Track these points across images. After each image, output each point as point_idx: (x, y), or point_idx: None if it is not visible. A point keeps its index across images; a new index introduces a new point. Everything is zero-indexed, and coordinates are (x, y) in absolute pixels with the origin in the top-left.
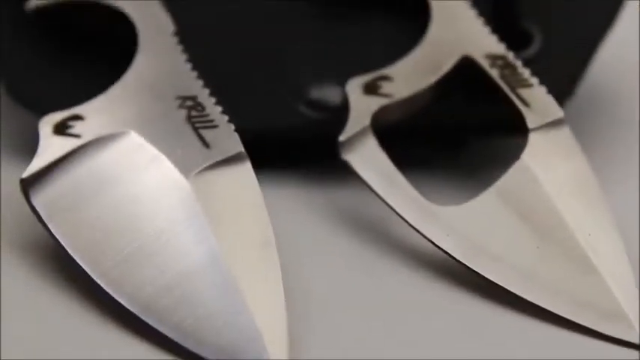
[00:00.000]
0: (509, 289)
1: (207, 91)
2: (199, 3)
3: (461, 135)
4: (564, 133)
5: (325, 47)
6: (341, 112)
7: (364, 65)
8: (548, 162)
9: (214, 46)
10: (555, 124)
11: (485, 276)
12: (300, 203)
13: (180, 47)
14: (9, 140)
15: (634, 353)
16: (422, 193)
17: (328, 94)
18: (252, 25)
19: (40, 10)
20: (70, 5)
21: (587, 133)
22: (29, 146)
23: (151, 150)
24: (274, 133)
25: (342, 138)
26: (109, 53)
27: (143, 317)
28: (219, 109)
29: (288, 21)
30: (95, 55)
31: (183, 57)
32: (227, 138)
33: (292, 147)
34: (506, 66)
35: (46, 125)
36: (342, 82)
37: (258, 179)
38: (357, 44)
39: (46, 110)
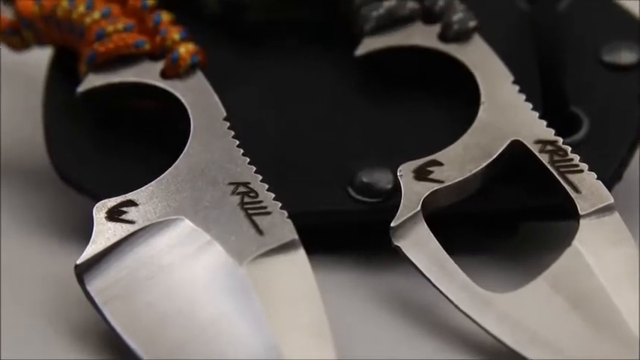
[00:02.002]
0: None
1: (259, 177)
2: (250, 88)
3: (511, 220)
4: (615, 219)
5: (375, 131)
6: (392, 197)
7: (414, 150)
8: (600, 248)
9: (264, 130)
10: (606, 209)
11: None
12: (352, 288)
13: (231, 133)
14: (61, 222)
15: None
16: (473, 278)
17: (379, 179)
18: (302, 110)
19: (91, 94)
20: (122, 89)
21: (636, 217)
22: (80, 228)
23: (204, 236)
24: (325, 218)
25: (393, 224)
26: (160, 137)
27: None
28: (272, 195)
29: (338, 105)
30: (146, 138)
31: (235, 142)
32: (280, 225)
33: (343, 232)
34: (556, 151)
35: (100, 211)
36: (392, 167)
37: (309, 264)
38: (407, 128)
39: (96, 194)
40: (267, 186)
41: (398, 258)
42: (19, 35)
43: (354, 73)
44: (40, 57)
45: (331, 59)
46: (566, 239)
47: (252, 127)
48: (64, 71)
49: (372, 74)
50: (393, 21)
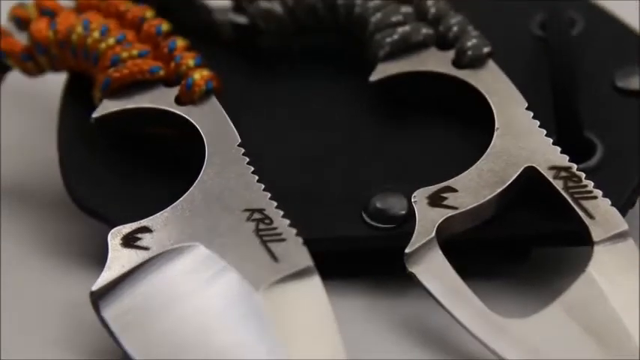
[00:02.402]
0: None
1: (274, 203)
2: (264, 114)
3: (524, 245)
4: (629, 245)
5: (389, 157)
6: (406, 222)
7: (428, 175)
8: (614, 275)
9: (278, 156)
10: (620, 236)
11: None
12: (366, 314)
13: (246, 159)
14: (76, 248)
15: None
16: (487, 304)
17: (393, 204)
18: (316, 136)
19: (106, 120)
20: (137, 115)
21: None
22: (95, 254)
23: (219, 263)
24: (339, 244)
25: (408, 250)
26: (175, 162)
27: None
28: (287, 221)
29: (353, 131)
30: (161, 164)
31: (250, 169)
32: (296, 252)
33: (357, 257)
34: (570, 177)
35: (115, 237)
36: (406, 193)
37: (324, 290)
38: (421, 154)
39: (111, 220)
40: (282, 212)
41: (412, 283)
42: (34, 60)
43: (368, 98)
44: (55, 82)
45: (345, 85)
46: (579, 264)
47: (266, 153)
48: (78, 96)
49: (386, 100)
50: (407, 47)
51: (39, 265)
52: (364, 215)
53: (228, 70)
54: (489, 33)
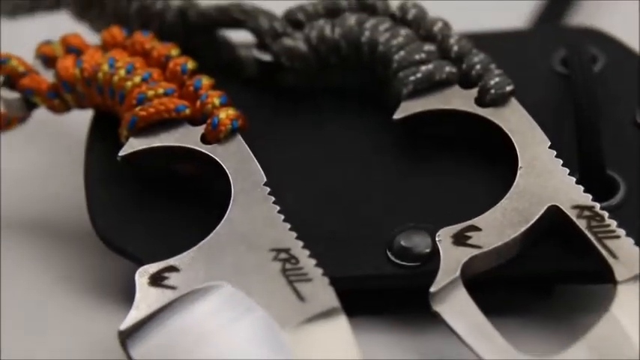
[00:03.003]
0: None
1: (300, 243)
2: (288, 152)
3: (548, 283)
4: None
5: (413, 195)
6: (430, 261)
7: (452, 213)
8: (637, 314)
9: (302, 194)
10: None
11: None
12: (391, 351)
13: (272, 198)
14: (103, 286)
15: None
16: (510, 341)
17: (417, 243)
18: (340, 174)
19: (132, 158)
20: (163, 153)
21: None
22: (123, 292)
23: (246, 303)
24: (364, 282)
25: (432, 289)
26: (201, 200)
27: None
28: (314, 261)
29: (376, 169)
30: (187, 202)
31: (276, 208)
32: (322, 292)
33: (382, 295)
34: (593, 217)
35: (142, 276)
36: (430, 231)
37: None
38: (445, 192)
39: (138, 258)
40: (308, 252)
41: (437, 321)
42: (60, 98)
43: (392, 136)
44: (81, 117)
45: (369, 122)
46: (603, 302)
47: (290, 191)
48: (104, 134)
49: (409, 137)
50: (431, 85)
51: (67, 304)
52: (389, 253)
53: (251, 107)
54: (510, 70)
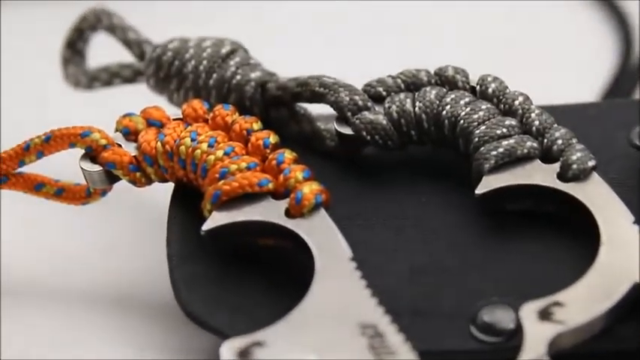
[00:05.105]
0: None
1: (387, 318)
2: (369, 226)
3: (634, 359)
4: None
5: (495, 269)
6: (514, 336)
7: (534, 287)
8: None
9: (385, 268)
10: None
11: None
12: None
13: (358, 273)
14: (182, 357)
15: None
16: None
17: (501, 318)
18: (421, 247)
19: (215, 232)
20: (246, 227)
21: None
22: None
23: None
24: (448, 357)
25: None
26: (285, 273)
27: None
28: (401, 337)
29: (458, 242)
30: (271, 275)
31: (363, 283)
32: None
33: None
34: None
35: (228, 351)
36: (513, 305)
37: None
38: (527, 265)
39: (222, 331)
40: (396, 327)
41: None
42: (142, 171)
43: (472, 209)
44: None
45: (449, 195)
46: None
47: (373, 264)
48: (185, 207)
49: (489, 211)
50: (513, 160)
51: None
52: (472, 328)
53: (332, 181)
54: (592, 145)
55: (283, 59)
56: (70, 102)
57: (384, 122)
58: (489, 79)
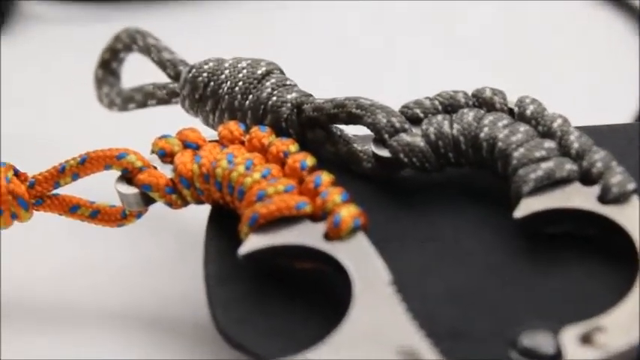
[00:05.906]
0: None
1: (427, 343)
2: (407, 249)
3: None
4: None
5: (534, 292)
6: None
7: (574, 311)
8: None
9: (423, 291)
10: None
11: None
12: None
13: (397, 297)
14: None
15: None
16: None
17: (541, 343)
18: (459, 270)
19: (253, 255)
20: (283, 250)
21: None
22: None
23: None
24: None
25: None
26: (323, 296)
27: None
28: None
29: (496, 266)
30: (308, 298)
31: (402, 307)
32: None
33: None
34: None
35: None
36: (554, 329)
37: None
38: (566, 289)
39: (259, 354)
40: (436, 352)
41: None
42: (178, 193)
43: (511, 232)
44: (198, 213)
45: (487, 218)
46: None
47: (412, 288)
48: (222, 229)
49: (528, 234)
50: (552, 182)
51: None
52: (512, 354)
53: (368, 203)
54: (628, 165)
55: (314, 82)
56: (104, 123)
57: (422, 144)
58: (527, 100)
